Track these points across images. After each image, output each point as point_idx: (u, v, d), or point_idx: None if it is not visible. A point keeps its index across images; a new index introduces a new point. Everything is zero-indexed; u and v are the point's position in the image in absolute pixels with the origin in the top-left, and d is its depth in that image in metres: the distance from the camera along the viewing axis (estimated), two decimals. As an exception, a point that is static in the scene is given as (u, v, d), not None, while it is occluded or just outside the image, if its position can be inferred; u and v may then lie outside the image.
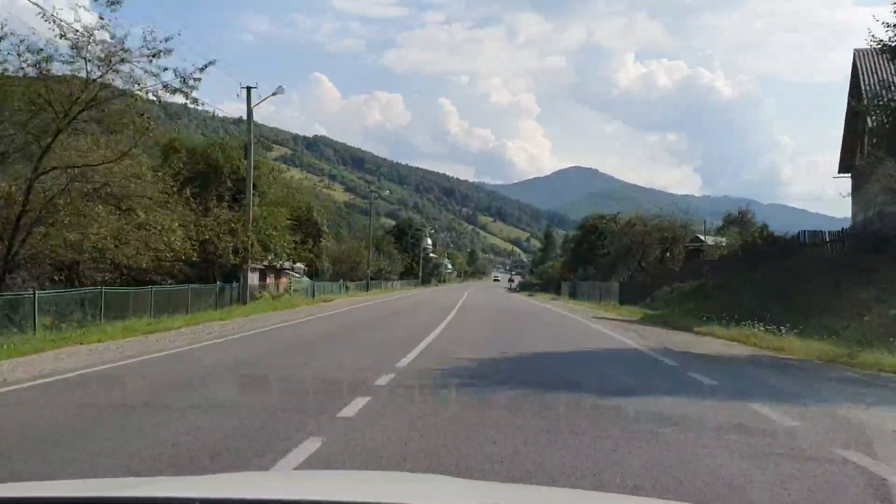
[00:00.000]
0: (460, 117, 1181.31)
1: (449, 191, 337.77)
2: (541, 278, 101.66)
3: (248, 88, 28.10)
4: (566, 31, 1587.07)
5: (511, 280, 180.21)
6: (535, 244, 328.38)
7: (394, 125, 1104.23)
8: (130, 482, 3.08)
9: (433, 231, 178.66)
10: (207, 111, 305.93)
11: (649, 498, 4.00)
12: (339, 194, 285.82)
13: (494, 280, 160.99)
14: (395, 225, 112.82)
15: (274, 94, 29.12)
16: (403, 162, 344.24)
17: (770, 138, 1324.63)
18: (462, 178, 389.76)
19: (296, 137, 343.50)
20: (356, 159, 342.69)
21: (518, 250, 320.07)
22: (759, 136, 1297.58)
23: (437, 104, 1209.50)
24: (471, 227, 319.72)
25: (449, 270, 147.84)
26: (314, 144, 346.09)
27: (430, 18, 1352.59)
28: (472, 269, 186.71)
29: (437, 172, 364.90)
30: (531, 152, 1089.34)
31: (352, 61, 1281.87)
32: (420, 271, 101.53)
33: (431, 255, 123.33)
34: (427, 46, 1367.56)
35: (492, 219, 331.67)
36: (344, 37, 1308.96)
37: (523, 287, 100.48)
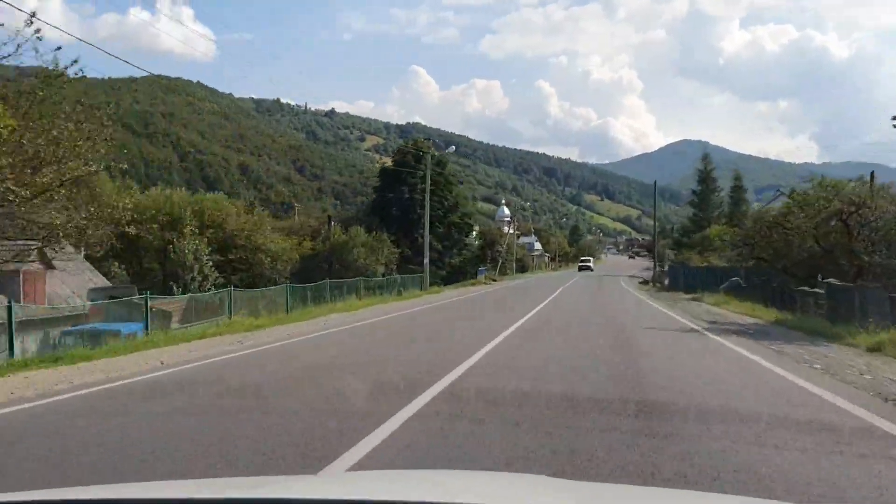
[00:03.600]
0: (560, 98, 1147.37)
1: (550, 171, 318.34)
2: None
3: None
4: (668, 2, 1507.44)
5: (632, 256, 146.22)
6: (648, 222, 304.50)
7: (493, 112, 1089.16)
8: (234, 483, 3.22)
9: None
10: (299, 105, 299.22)
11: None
12: None
13: (581, 267, 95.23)
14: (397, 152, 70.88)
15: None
16: (500, 144, 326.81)
17: (894, 97, 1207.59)
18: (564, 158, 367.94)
19: (387, 126, 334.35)
20: (451, 144, 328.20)
21: (629, 229, 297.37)
22: (881, 95, 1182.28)
23: (536, 87, 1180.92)
24: (575, 207, 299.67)
25: (537, 252, 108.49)
26: (407, 131, 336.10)
27: (524, 1, 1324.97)
28: (575, 251, 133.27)
29: (537, 153, 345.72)
30: (636, 129, 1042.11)
31: (449, 51, 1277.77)
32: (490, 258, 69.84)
33: (506, 230, 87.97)
34: (524, 30, 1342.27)
35: (598, 197, 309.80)
36: (440, 27, 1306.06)
37: (670, 280, 47.29)
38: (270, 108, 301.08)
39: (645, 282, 54.07)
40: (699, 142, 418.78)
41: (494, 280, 57.57)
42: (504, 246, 74.51)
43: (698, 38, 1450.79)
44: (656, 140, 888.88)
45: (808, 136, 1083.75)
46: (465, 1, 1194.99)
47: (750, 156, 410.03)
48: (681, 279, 42.87)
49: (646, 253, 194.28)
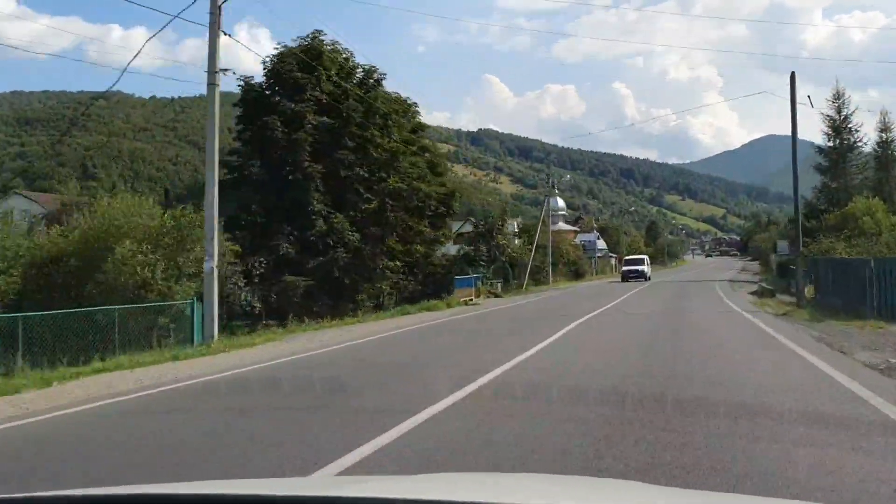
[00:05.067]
0: (637, 100, 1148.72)
1: (628, 172, 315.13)
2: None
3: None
4: None
5: (708, 255, 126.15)
6: (734, 221, 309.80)
7: (568, 116, 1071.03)
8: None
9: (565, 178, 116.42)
10: None
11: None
12: (506, 186, 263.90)
13: (629, 275, 55.44)
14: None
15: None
16: (576, 147, 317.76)
17: None
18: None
19: (458, 133, 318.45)
20: (523, 149, 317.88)
21: (714, 229, 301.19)
22: None
23: (612, 89, 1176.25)
24: (655, 208, 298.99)
25: (600, 254, 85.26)
26: (478, 138, 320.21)
27: (597, 2, 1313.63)
28: (652, 251, 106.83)
29: (614, 154, 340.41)
30: (717, 126, 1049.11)
31: (522, 58, 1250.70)
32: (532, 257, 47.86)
33: (562, 224, 75.71)
34: (597, 32, 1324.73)
35: (679, 197, 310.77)
36: (512, 35, 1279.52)
37: (819, 287, 26.71)
38: None
39: (762, 292, 32.15)
40: (786, 136, 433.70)
41: (495, 295, 36.70)
42: (530, 244, 49.47)
43: (779, 30, 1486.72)
44: (738, 136, 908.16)
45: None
46: (537, 6, 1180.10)
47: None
48: (829, 285, 24.29)
49: (736, 252, 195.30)
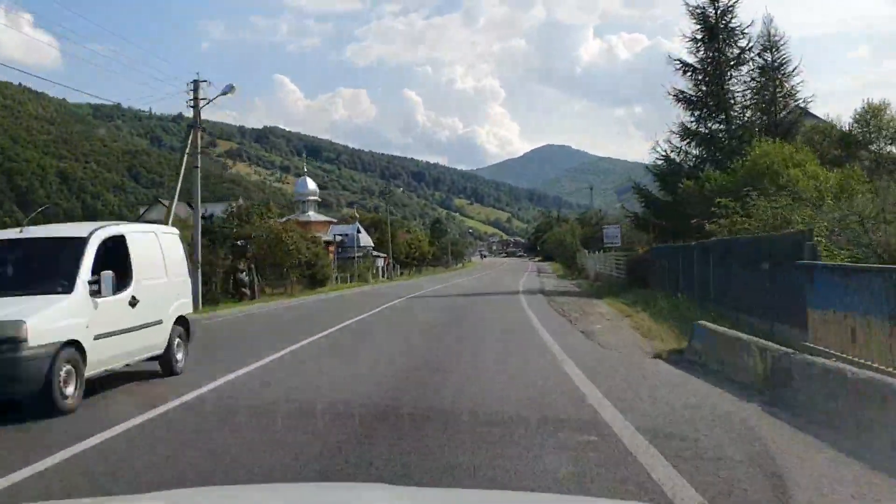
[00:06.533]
0: (426, 108, 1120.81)
1: (419, 175, 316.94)
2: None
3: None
4: (526, 10, 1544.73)
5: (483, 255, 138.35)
6: (518, 224, 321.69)
7: (361, 120, 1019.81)
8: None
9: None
10: (143, 111, 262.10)
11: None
12: (293, 187, 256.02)
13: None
14: None
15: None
16: (367, 149, 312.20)
17: None
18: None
19: (242, 130, 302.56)
20: (313, 149, 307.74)
21: (500, 232, 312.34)
22: None
23: (403, 96, 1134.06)
24: (445, 211, 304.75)
25: (360, 253, 62.72)
26: (263, 136, 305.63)
27: (386, 10, 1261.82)
28: (435, 250, 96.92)
29: (405, 157, 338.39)
30: (501, 136, 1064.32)
31: (313, 60, 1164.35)
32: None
33: (312, 214, 63.95)
34: (387, 38, 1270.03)
35: (468, 201, 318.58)
36: (303, 36, 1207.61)
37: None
38: (111, 114, 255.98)
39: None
40: (562, 146, 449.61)
41: None
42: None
43: (556, 46, 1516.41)
44: (521, 146, 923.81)
45: (663, 140, 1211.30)
46: (327, 8, 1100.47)
47: (610, 157, 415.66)
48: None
49: (523, 254, 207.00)
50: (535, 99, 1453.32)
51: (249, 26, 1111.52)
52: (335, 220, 72.16)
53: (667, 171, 26.76)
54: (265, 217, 38.90)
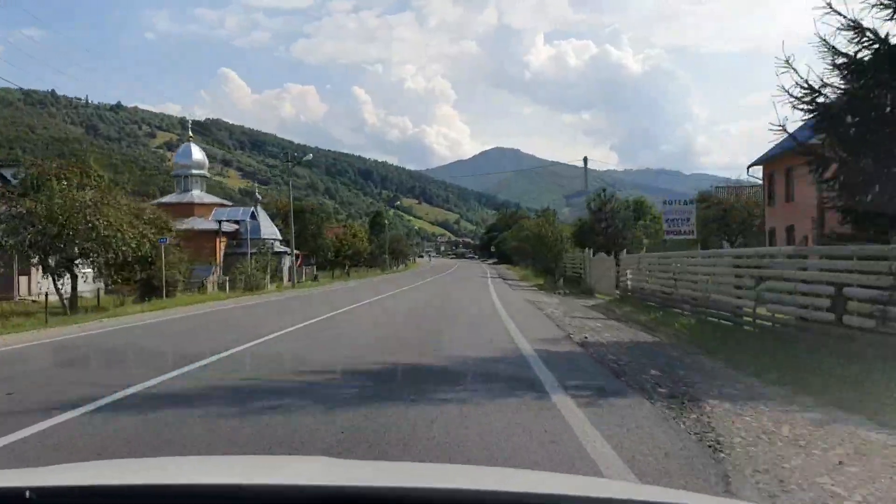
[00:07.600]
0: (375, 106, 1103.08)
1: (366, 173, 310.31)
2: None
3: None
4: (478, 13, 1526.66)
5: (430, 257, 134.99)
6: (467, 226, 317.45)
7: (309, 117, 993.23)
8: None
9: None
10: (79, 98, 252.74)
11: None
12: (235, 181, 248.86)
13: None
14: None
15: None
16: (313, 145, 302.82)
17: (685, 110, 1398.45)
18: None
19: (182, 122, 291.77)
20: (257, 143, 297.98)
21: (448, 233, 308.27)
22: (673, 108, 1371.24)
23: (352, 94, 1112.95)
24: (392, 210, 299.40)
25: (254, 249, 45.09)
26: (206, 127, 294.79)
27: (337, 7, 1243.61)
28: (374, 248, 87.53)
29: (352, 154, 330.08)
30: (451, 137, 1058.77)
31: (261, 55, 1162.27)
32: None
33: (197, 193, 51.30)
34: (337, 36, 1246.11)
35: (416, 200, 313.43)
36: (251, 30, 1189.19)
37: None
38: (43, 101, 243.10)
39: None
40: (511, 150, 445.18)
41: None
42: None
43: (507, 50, 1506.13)
44: (470, 148, 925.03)
45: (610, 146, 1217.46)
46: (277, 3, 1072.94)
47: (559, 162, 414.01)
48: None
49: (473, 255, 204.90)
50: (486, 102, 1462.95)
51: (195, 19, 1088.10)
52: (230, 203, 57.28)
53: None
54: (74, 183, 26.00)
